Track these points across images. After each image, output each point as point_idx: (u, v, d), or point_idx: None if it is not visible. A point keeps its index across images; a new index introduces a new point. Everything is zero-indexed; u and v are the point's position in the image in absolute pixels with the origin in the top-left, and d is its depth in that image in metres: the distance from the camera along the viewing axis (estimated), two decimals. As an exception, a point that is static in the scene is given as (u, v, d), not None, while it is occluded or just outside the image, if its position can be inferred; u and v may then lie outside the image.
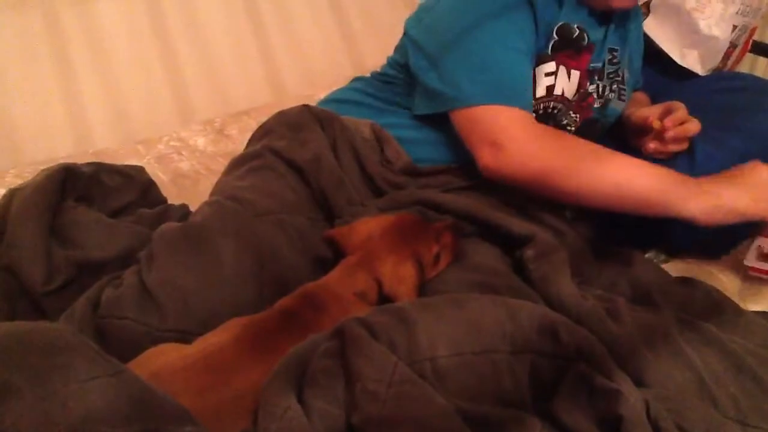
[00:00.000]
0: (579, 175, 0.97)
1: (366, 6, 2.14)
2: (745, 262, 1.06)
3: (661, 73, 1.50)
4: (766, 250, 1.06)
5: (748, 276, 1.06)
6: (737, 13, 1.50)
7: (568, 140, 1.02)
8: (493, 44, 1.04)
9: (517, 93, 1.04)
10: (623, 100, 1.25)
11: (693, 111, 1.16)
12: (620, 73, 1.22)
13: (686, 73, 1.51)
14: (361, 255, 0.88)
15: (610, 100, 1.21)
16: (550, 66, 1.10)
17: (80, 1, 1.64)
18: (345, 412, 0.63)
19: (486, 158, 1.00)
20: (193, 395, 0.67)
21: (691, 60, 1.51)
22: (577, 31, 1.11)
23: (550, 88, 1.11)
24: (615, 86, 1.22)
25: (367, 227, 0.92)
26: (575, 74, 1.13)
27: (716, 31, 1.48)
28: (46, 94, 1.59)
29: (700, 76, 1.52)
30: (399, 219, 0.93)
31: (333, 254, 0.96)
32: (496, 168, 1.00)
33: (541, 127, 1.03)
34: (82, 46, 1.64)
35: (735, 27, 1.52)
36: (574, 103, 1.15)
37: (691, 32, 1.49)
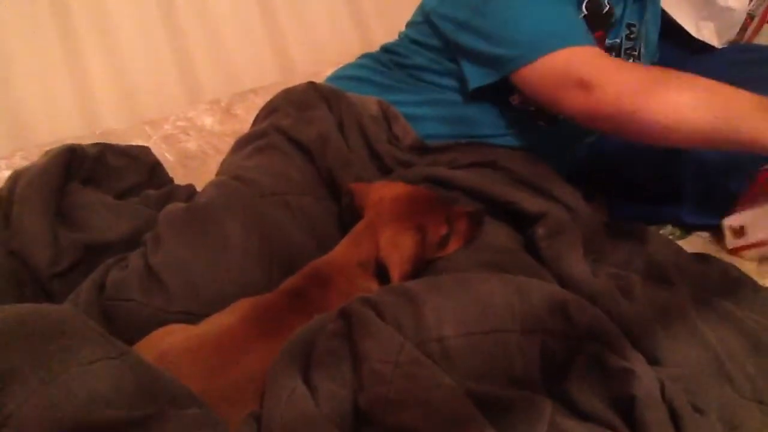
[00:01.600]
0: (675, 102, 0.88)
1: (374, -17, 2.11)
2: (729, 246, 1.06)
3: (677, 47, 1.46)
4: (735, 226, 1.06)
5: (739, 256, 1.06)
6: (755, -18, 1.46)
7: (653, 69, 0.98)
8: None
9: (581, 32, 0.99)
10: None
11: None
12: (637, 48, 1.19)
13: (702, 47, 1.48)
14: (369, 219, 0.87)
15: None
16: None
17: (87, -18, 1.63)
18: (352, 393, 0.62)
19: (578, 101, 0.94)
20: (200, 377, 0.67)
21: (706, 33, 1.47)
22: (607, 6, 1.06)
23: None
24: (631, 61, 1.19)
25: (382, 190, 0.91)
26: None
27: (732, 2, 1.44)
28: (54, 75, 1.58)
29: (716, 49, 1.48)
30: (415, 190, 0.91)
31: (348, 210, 0.95)
32: (593, 107, 0.94)
33: (619, 59, 0.99)
34: (89, 26, 1.63)
35: (753, -3, 1.48)
36: None
37: (706, 4, 1.45)
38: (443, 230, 0.88)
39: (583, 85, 0.93)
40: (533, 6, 0.99)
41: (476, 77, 1.05)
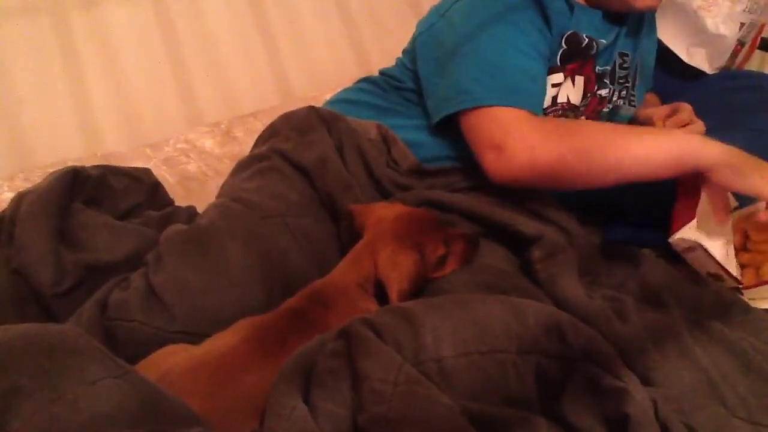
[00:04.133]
0: (589, 157, 0.93)
1: (372, 8, 2.15)
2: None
3: (669, 73, 1.49)
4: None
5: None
6: (744, 10, 1.49)
7: (571, 125, 0.99)
8: (494, 46, 1.02)
9: (518, 93, 1.00)
10: (633, 106, 1.24)
11: (701, 110, 1.16)
12: (630, 78, 1.22)
13: (694, 73, 1.51)
14: (368, 239, 0.88)
15: (620, 106, 1.21)
16: (558, 77, 1.10)
17: (90, 6, 1.65)
18: (351, 413, 0.63)
19: (490, 163, 0.97)
20: (201, 396, 0.67)
21: (698, 59, 1.50)
22: (586, 40, 1.10)
23: (554, 98, 1.11)
24: (625, 92, 1.21)
25: (382, 211, 0.92)
26: (579, 79, 1.12)
27: (723, 30, 1.48)
28: (56, 97, 1.59)
29: (708, 75, 1.51)
30: (414, 211, 0.93)
31: (348, 231, 0.96)
32: (503, 171, 0.96)
33: (543, 119, 1.00)
34: (91, 50, 1.65)
35: (743, 25, 1.51)
36: (584, 108, 1.15)
37: (697, 31, 1.49)
38: (440, 251, 0.89)
39: (496, 147, 0.96)
40: (492, 54, 1.01)
41: (433, 113, 1.08)
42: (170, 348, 0.77)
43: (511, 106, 0.98)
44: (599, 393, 0.66)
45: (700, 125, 1.13)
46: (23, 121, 1.54)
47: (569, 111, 1.13)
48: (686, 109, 1.15)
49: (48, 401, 0.55)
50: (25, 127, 1.54)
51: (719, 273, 0.96)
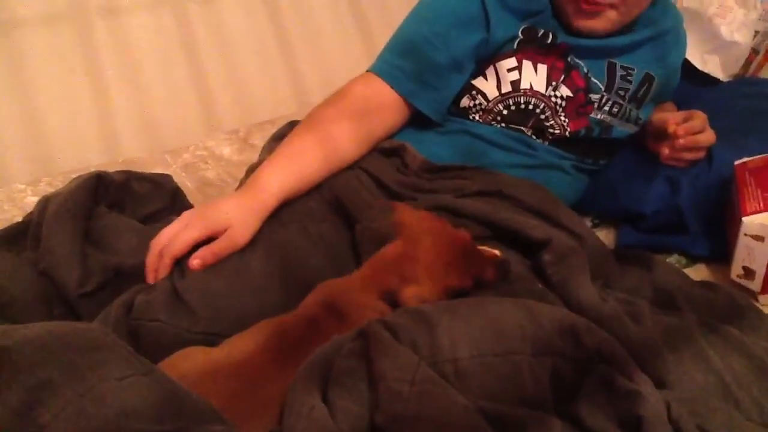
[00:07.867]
0: None
1: (389, 18, 2.17)
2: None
3: (683, 79, 1.50)
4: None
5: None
6: (759, 18, 1.50)
7: (322, 108, 1.12)
8: (408, 26, 1.18)
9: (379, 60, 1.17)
10: (633, 123, 1.24)
11: (713, 114, 1.16)
12: (630, 94, 1.21)
13: (708, 80, 1.51)
14: (398, 257, 0.84)
15: (613, 124, 1.21)
16: (511, 62, 1.13)
17: (111, 15, 1.69)
18: (368, 411, 0.64)
19: None
20: (219, 398, 0.68)
21: (712, 66, 1.51)
22: (542, 31, 1.13)
23: (515, 83, 1.13)
24: (618, 108, 1.21)
25: (422, 223, 0.86)
26: (542, 68, 1.14)
27: (737, 37, 1.48)
28: (78, 105, 1.63)
29: (722, 82, 1.51)
30: (451, 237, 0.86)
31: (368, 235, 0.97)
32: None
33: (340, 97, 1.13)
34: (113, 59, 1.69)
35: (757, 33, 1.52)
36: (565, 102, 1.16)
37: (712, 38, 1.49)
38: (467, 285, 0.85)
39: None
40: (403, 29, 1.19)
41: None
42: (188, 350, 0.78)
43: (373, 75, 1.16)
44: (613, 395, 0.67)
45: (709, 135, 1.13)
46: (47, 127, 1.58)
47: (540, 101, 1.14)
48: (700, 118, 1.15)
49: (77, 395, 0.57)
50: (48, 134, 1.58)
51: (758, 271, 0.96)
